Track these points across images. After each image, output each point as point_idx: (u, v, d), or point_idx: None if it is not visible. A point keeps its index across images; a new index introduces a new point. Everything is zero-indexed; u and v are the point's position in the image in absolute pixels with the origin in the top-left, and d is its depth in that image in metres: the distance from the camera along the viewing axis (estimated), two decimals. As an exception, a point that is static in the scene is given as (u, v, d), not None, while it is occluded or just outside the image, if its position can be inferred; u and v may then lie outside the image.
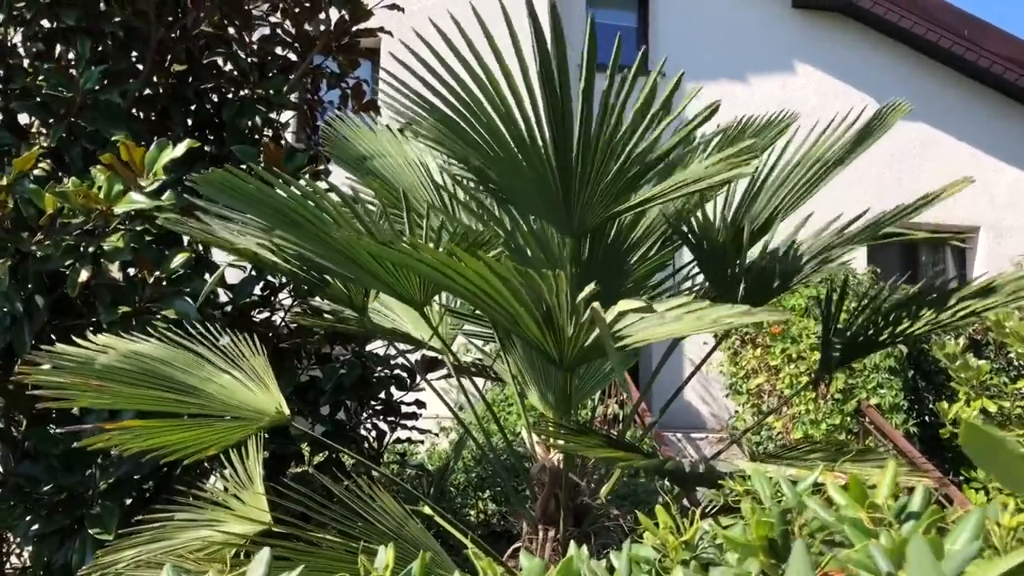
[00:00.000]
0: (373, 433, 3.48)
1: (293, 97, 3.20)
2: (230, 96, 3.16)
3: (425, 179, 2.53)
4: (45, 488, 2.39)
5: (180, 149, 2.30)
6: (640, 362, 8.01)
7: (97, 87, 2.62)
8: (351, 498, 1.79)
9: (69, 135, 2.64)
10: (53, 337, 2.42)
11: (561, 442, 1.75)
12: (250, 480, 2.03)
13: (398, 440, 3.66)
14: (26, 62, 2.87)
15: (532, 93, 1.67)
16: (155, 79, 3.02)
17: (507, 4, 1.61)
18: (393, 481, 2.78)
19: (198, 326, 2.08)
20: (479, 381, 2.92)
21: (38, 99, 2.64)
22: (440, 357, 3.13)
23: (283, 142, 3.47)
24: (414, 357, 3.02)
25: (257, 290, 3.00)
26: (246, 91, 3.13)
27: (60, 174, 2.72)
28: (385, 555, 1.00)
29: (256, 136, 3.19)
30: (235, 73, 3.15)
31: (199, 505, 1.96)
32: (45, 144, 2.66)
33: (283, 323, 3.24)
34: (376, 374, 3.37)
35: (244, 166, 2.66)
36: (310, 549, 1.67)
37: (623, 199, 1.84)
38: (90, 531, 2.28)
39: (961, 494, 4.12)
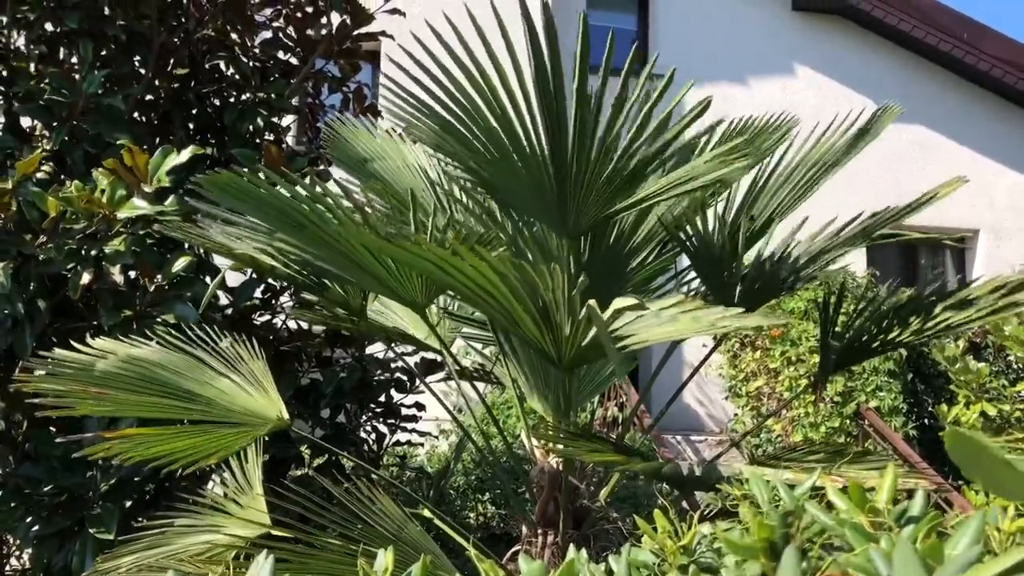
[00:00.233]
0: (373, 436, 3.49)
1: (294, 101, 3.21)
2: (232, 100, 3.17)
3: (424, 182, 2.54)
4: (45, 489, 2.39)
5: (185, 155, 2.31)
6: (639, 365, 8.01)
7: (100, 91, 2.63)
8: (351, 501, 1.79)
9: (71, 138, 2.65)
10: (54, 340, 2.42)
11: (560, 446, 1.75)
12: (249, 484, 2.03)
13: (398, 443, 3.66)
14: (32, 66, 2.88)
15: (527, 95, 1.69)
16: (157, 83, 3.02)
17: (502, 8, 1.63)
18: (392, 484, 2.78)
19: (198, 330, 2.09)
20: (479, 384, 2.93)
21: (40, 102, 2.65)
22: (440, 360, 3.14)
23: (284, 145, 3.48)
24: (413, 360, 3.02)
25: (258, 293, 3.01)
26: (248, 95, 3.14)
27: (62, 177, 2.72)
28: (384, 558, 1.00)
29: (257, 140, 3.20)
30: (237, 77, 3.16)
31: (198, 510, 1.96)
32: (47, 147, 2.66)
33: (283, 326, 3.24)
34: (376, 377, 3.37)
35: (245, 169, 2.66)
36: (310, 552, 1.68)
37: (618, 200, 1.84)
38: (90, 531, 2.28)
39: (961, 497, 4.12)
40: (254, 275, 2.91)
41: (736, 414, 7.16)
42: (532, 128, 1.75)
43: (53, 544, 2.38)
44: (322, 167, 3.42)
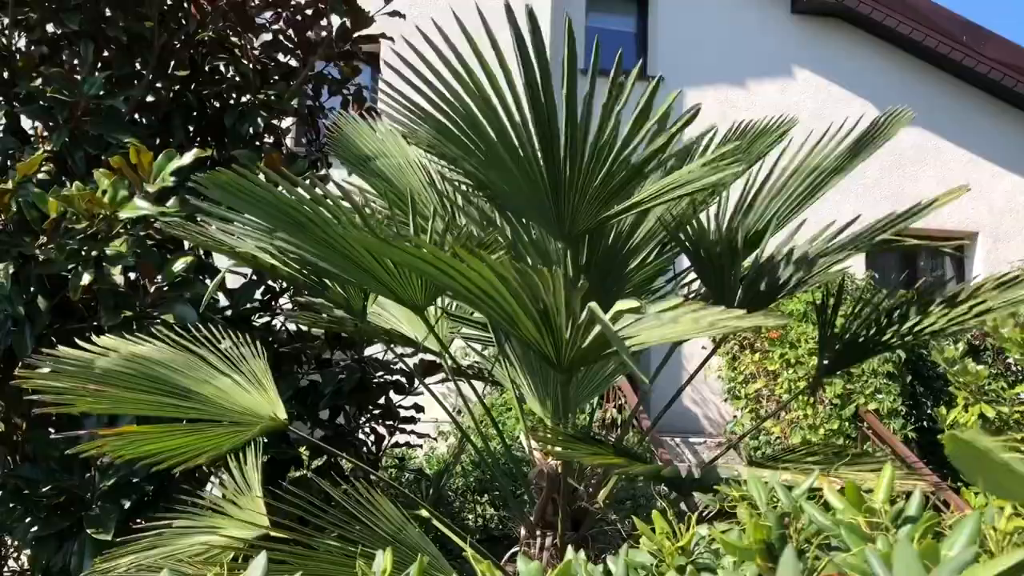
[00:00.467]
0: (372, 437, 3.49)
1: (294, 103, 3.22)
2: (232, 102, 3.18)
3: (426, 180, 2.55)
4: (44, 490, 2.39)
5: (188, 157, 2.32)
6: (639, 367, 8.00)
7: (101, 92, 2.64)
8: (349, 502, 1.79)
9: (72, 139, 2.65)
10: (54, 340, 2.43)
11: (558, 448, 1.76)
12: (248, 485, 2.04)
13: (396, 444, 3.67)
14: (33, 68, 2.88)
15: (519, 99, 1.70)
16: (158, 85, 3.03)
17: (491, 15, 1.64)
18: (391, 485, 2.78)
19: (199, 328, 2.09)
20: (478, 386, 2.93)
21: (42, 103, 2.65)
22: (439, 361, 3.14)
23: (284, 147, 3.48)
24: (413, 361, 3.02)
25: (257, 295, 3.01)
26: (248, 97, 3.15)
27: (63, 178, 2.73)
28: (383, 559, 1.00)
29: (257, 142, 3.21)
30: (237, 79, 3.16)
31: (197, 511, 1.96)
32: (48, 148, 2.67)
33: (283, 328, 3.24)
34: (375, 379, 3.38)
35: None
36: (308, 553, 1.68)
37: (613, 202, 1.85)
38: (88, 531, 2.28)
39: (958, 498, 4.12)
40: (254, 277, 2.92)
41: (735, 416, 7.16)
42: (525, 133, 1.76)
43: (51, 545, 2.38)
44: (323, 171, 3.42)
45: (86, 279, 2.22)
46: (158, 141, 3.01)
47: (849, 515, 0.88)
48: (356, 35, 3.35)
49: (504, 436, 2.42)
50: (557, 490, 2.04)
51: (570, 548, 1.04)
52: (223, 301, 2.96)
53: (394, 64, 1.85)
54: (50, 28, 2.97)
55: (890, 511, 0.89)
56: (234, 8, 3.05)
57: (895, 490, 0.95)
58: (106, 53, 3.03)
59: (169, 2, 3.00)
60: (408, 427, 3.55)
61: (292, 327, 3.27)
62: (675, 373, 7.45)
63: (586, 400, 2.72)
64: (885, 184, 9.02)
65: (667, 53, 9.26)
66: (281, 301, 3.26)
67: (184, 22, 3.04)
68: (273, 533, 1.80)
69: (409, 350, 2.66)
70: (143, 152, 2.24)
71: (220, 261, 2.48)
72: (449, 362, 2.42)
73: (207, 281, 2.63)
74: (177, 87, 3.10)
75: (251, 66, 3.19)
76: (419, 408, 3.51)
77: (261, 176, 1.68)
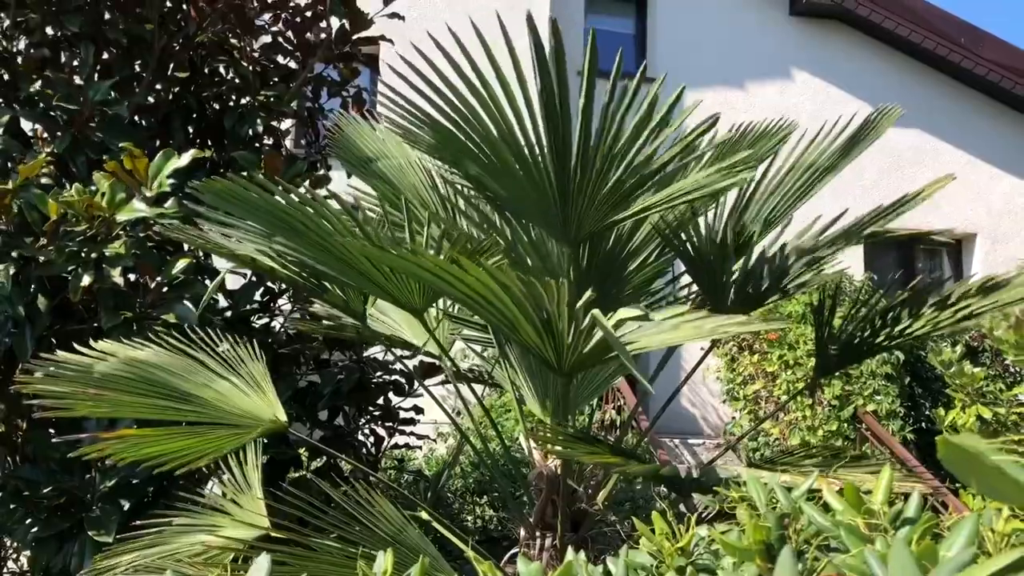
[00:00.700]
0: (371, 439, 3.49)
1: (294, 105, 3.22)
2: (231, 104, 3.18)
3: (427, 181, 2.55)
4: (44, 491, 2.39)
5: (185, 159, 2.32)
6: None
7: (109, 97, 2.64)
8: (349, 503, 1.80)
9: (75, 143, 2.66)
10: (54, 341, 2.43)
11: (558, 449, 1.76)
12: (248, 485, 2.04)
13: (396, 446, 3.67)
14: (33, 70, 2.88)
15: (531, 106, 1.69)
16: (157, 87, 3.03)
17: (507, 18, 1.63)
18: (390, 487, 2.78)
19: (198, 331, 2.09)
20: (477, 387, 2.93)
21: (43, 106, 2.65)
22: (438, 363, 3.14)
23: (283, 149, 3.48)
24: (412, 363, 3.03)
25: (257, 296, 3.02)
26: (247, 99, 3.15)
27: (64, 181, 2.73)
28: (384, 560, 1.01)
29: (257, 144, 3.21)
30: (236, 81, 3.16)
31: (198, 511, 1.96)
32: (48, 150, 2.67)
33: (282, 329, 3.25)
34: (374, 380, 3.38)
35: (244, 173, 2.67)
36: (308, 554, 1.68)
37: (621, 208, 1.86)
38: (89, 533, 2.28)
39: (957, 500, 4.13)
40: (254, 278, 2.92)
41: (733, 417, 7.17)
42: (536, 141, 1.75)
43: (52, 546, 2.38)
44: (322, 171, 3.42)
45: (86, 280, 2.23)
46: (158, 143, 3.02)
47: (848, 516, 0.89)
48: (355, 37, 3.35)
49: (503, 437, 2.43)
50: (556, 491, 2.04)
51: (570, 549, 1.05)
52: (223, 302, 2.96)
53: (394, 66, 1.85)
54: (48, 30, 2.97)
55: (889, 512, 0.89)
56: (233, 10, 3.06)
57: (894, 492, 0.95)
58: (105, 56, 3.03)
59: (169, 4, 3.01)
60: (407, 429, 3.55)
61: (291, 328, 3.27)
62: (674, 375, 7.46)
63: (586, 402, 2.73)
64: (883, 186, 9.03)
65: (666, 55, 9.27)
66: (280, 302, 3.27)
67: (183, 24, 3.04)
68: (273, 534, 1.80)
69: (408, 352, 2.66)
70: (138, 158, 2.24)
71: (219, 263, 2.48)
72: (449, 364, 2.42)
73: (207, 282, 2.63)
74: (177, 89, 3.10)
75: (250, 68, 3.19)
76: (418, 410, 3.51)
77: (259, 180, 1.68)
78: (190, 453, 1.83)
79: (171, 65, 3.04)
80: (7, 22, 2.88)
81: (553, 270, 2.19)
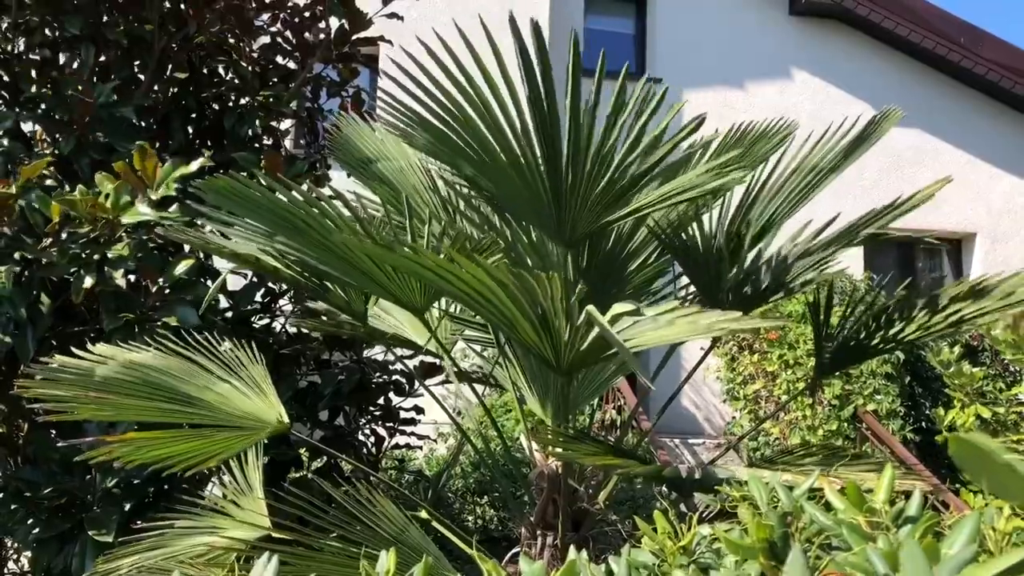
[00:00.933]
0: (372, 439, 3.49)
1: (293, 105, 3.22)
2: (231, 104, 3.18)
3: (427, 182, 2.55)
4: (45, 492, 2.39)
5: (194, 166, 2.32)
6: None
7: (113, 99, 2.65)
8: (351, 503, 1.80)
9: (78, 145, 2.66)
10: (55, 343, 2.43)
11: (559, 449, 1.76)
12: (249, 486, 2.04)
13: (396, 446, 3.67)
14: (33, 72, 2.88)
15: (520, 107, 1.70)
16: (157, 88, 3.04)
17: (507, 18, 1.64)
18: (391, 487, 2.78)
19: (198, 335, 2.09)
20: (478, 387, 2.93)
21: (44, 106, 2.66)
22: (439, 363, 3.14)
23: (283, 149, 3.48)
24: (413, 363, 3.03)
25: (258, 296, 3.02)
26: (246, 99, 3.15)
27: (65, 183, 2.73)
28: (387, 560, 1.01)
29: (256, 144, 3.21)
30: (236, 81, 3.17)
31: (198, 512, 1.96)
32: (48, 151, 2.67)
33: (283, 329, 3.25)
34: (375, 380, 3.38)
35: (245, 173, 2.67)
36: (310, 554, 1.68)
37: (614, 209, 1.86)
38: (89, 533, 2.28)
39: (957, 499, 4.13)
40: (255, 279, 2.92)
41: (734, 417, 7.17)
42: (526, 142, 1.76)
43: (52, 547, 2.39)
44: (321, 171, 3.43)
45: (88, 282, 2.23)
46: (157, 144, 3.02)
47: (850, 515, 0.89)
48: (354, 37, 3.36)
49: (504, 437, 2.43)
50: (557, 491, 2.04)
51: (572, 548, 1.05)
52: (224, 303, 2.96)
53: (393, 67, 1.85)
54: (48, 32, 2.97)
55: (890, 511, 0.89)
56: (232, 11, 3.06)
57: (894, 490, 0.95)
58: (103, 57, 3.03)
59: (168, 5, 3.01)
60: (408, 429, 3.55)
61: (291, 328, 3.28)
62: (674, 375, 7.46)
63: (586, 401, 2.72)
64: (884, 186, 9.04)
65: (665, 55, 9.28)
66: (281, 303, 3.27)
67: (183, 25, 3.04)
68: (275, 534, 1.81)
69: (409, 351, 2.66)
70: (149, 157, 2.24)
71: (220, 263, 2.48)
72: (449, 364, 2.43)
73: (208, 283, 2.63)
74: (176, 90, 3.10)
75: (250, 68, 3.19)
76: (419, 410, 3.52)
77: (261, 179, 1.69)
78: (199, 455, 1.83)
79: (170, 66, 3.04)
80: (7, 23, 2.88)
81: (553, 270, 2.19)
